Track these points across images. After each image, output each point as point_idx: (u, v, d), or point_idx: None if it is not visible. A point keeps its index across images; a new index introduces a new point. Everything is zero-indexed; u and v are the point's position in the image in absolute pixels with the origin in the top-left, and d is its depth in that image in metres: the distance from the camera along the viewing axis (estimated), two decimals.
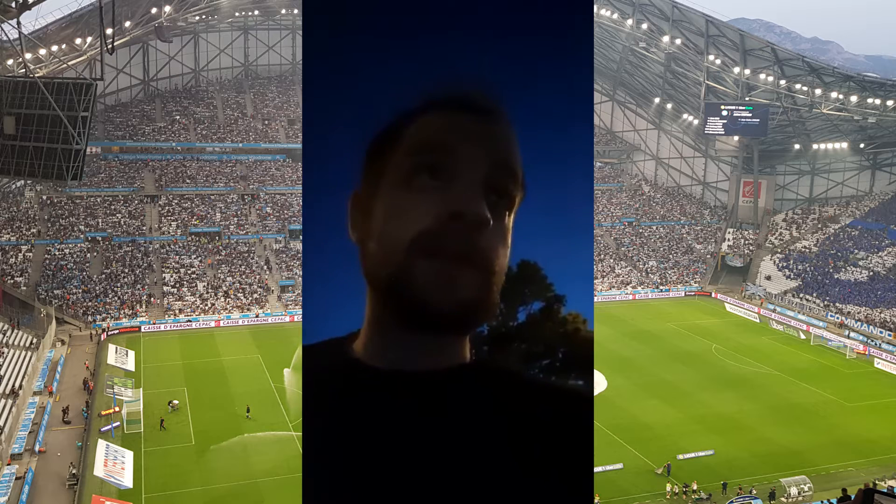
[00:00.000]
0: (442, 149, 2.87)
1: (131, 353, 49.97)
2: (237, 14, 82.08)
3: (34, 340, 49.66)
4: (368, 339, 3.02)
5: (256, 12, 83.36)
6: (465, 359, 3.02)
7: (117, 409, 39.92)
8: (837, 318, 63.81)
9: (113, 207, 69.93)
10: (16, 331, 49.62)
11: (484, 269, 2.87)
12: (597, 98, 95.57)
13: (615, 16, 73.76)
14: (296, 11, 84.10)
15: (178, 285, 62.99)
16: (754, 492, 32.64)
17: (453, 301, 2.83)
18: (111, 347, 50.20)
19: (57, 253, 63.09)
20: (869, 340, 58.08)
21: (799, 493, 32.99)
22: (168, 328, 57.99)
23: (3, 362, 43.17)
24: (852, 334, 60.07)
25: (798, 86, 70.99)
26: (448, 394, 2.91)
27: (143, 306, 59.78)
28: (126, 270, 63.20)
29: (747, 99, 74.85)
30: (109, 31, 41.58)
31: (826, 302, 67.30)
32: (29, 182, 65.18)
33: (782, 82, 71.73)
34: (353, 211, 3.04)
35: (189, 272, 64.75)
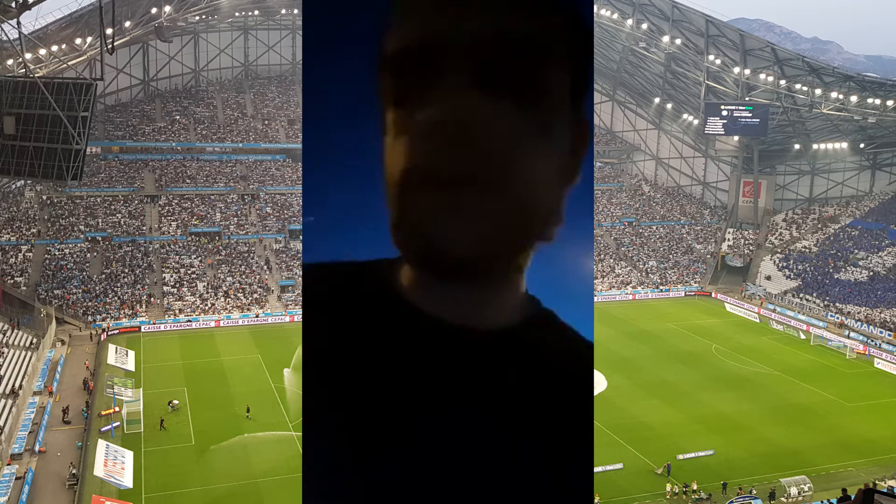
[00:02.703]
0: (417, 51, 2.28)
1: (131, 353, 49.99)
2: (237, 14, 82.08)
3: (34, 340, 49.67)
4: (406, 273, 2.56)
5: (256, 12, 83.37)
6: (503, 321, 2.57)
7: (117, 409, 39.93)
8: (837, 318, 63.81)
9: (113, 207, 69.94)
10: (16, 331, 49.62)
11: (495, 187, 2.29)
12: (597, 98, 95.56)
13: (615, 16, 73.77)
14: (296, 11, 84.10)
15: (178, 285, 63.00)
16: (754, 492, 32.65)
17: (461, 237, 2.32)
18: (111, 347, 50.21)
19: (57, 253, 63.10)
20: (869, 340, 58.08)
21: (799, 493, 33.00)
22: (168, 328, 57.99)
23: (3, 362, 43.17)
24: (852, 334, 60.07)
25: (798, 86, 71.00)
26: (457, 378, 2.80)
27: (143, 306, 59.79)
28: (126, 270, 63.21)
29: (747, 99, 74.84)
30: (109, 31, 41.55)
31: (826, 302, 67.30)
32: (29, 182, 65.20)
33: (782, 82, 71.74)
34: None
35: (189, 272, 64.76)
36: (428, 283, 2.51)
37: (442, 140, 2.23)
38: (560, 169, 2.40)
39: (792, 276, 73.79)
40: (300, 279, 66.26)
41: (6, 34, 41.94)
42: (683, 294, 74.25)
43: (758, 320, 65.10)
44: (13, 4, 36.38)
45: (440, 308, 2.54)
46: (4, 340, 46.79)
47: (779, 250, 78.96)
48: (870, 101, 69.11)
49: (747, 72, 72.52)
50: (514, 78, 2.25)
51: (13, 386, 40.78)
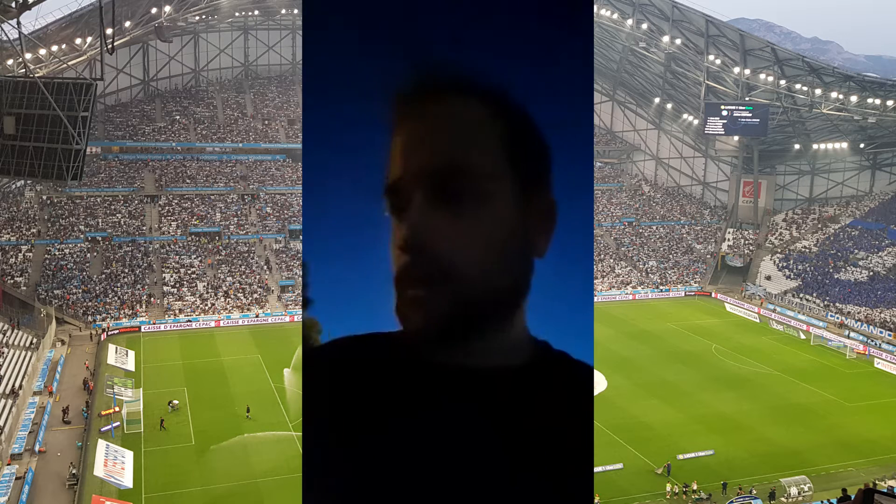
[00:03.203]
0: (397, 180, 2.95)
1: (131, 353, 49.99)
2: (237, 14, 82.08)
3: (34, 340, 49.67)
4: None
5: (256, 12, 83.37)
6: (501, 362, 3.06)
7: (117, 409, 39.94)
8: (837, 318, 63.81)
9: (113, 207, 69.94)
10: (16, 331, 49.62)
11: (458, 287, 2.92)
12: (597, 98, 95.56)
13: (615, 16, 73.76)
14: (296, 11, 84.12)
15: (178, 285, 63.00)
16: (754, 492, 32.64)
17: (434, 323, 2.94)
18: (111, 347, 50.21)
19: (57, 253, 63.09)
20: (869, 340, 58.08)
21: (799, 493, 33.00)
22: (168, 328, 57.98)
23: (3, 362, 43.17)
24: (852, 334, 60.07)
25: (798, 86, 70.98)
26: (454, 395, 2.91)
27: (143, 306, 59.79)
28: (126, 270, 63.21)
29: (747, 99, 74.83)
30: (109, 31, 41.54)
31: (826, 302, 67.30)
32: (29, 182, 65.20)
33: (782, 82, 71.73)
34: None
35: (189, 272, 64.75)
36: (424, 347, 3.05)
37: (410, 249, 2.92)
38: (517, 252, 3.00)
39: (792, 276, 73.79)
40: (300, 279, 66.21)
41: (6, 34, 41.93)
42: (683, 294, 74.24)
43: (758, 320, 65.09)
44: (13, 4, 36.37)
45: (436, 358, 3.02)
46: (4, 340, 46.79)
47: (779, 250, 78.96)
48: (870, 101, 69.09)
49: (747, 72, 72.51)
50: (461, 197, 2.91)
51: (13, 386, 40.78)
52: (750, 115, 74.83)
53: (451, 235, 2.92)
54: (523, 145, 2.98)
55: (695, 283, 76.54)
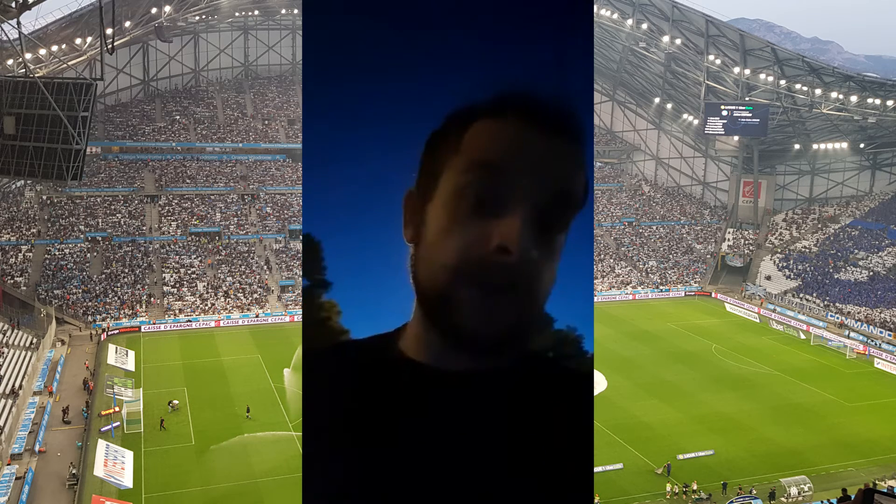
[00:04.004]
0: (498, 172, 2.84)
1: (131, 353, 49.99)
2: (237, 14, 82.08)
3: (34, 340, 49.67)
4: (414, 337, 3.07)
5: (256, 12, 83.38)
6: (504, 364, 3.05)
7: (117, 409, 39.94)
8: (837, 318, 63.81)
9: (113, 207, 69.93)
10: (16, 331, 49.62)
11: (526, 299, 2.91)
12: (597, 98, 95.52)
13: (615, 16, 73.75)
14: (296, 11, 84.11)
15: (178, 285, 62.99)
16: (754, 492, 32.65)
17: (493, 330, 2.89)
18: (111, 347, 50.22)
19: (57, 253, 63.09)
20: (869, 340, 58.08)
21: (799, 493, 33.00)
22: (168, 328, 57.98)
23: (3, 362, 43.17)
24: (852, 334, 60.07)
25: (798, 86, 70.98)
26: (458, 396, 2.92)
27: (143, 306, 59.78)
28: (126, 270, 63.20)
29: (747, 99, 74.83)
30: (109, 31, 41.52)
31: (826, 302, 67.30)
32: (29, 182, 65.18)
33: (782, 82, 71.72)
34: (406, 209, 3.03)
35: (189, 272, 64.75)
36: (437, 349, 2.99)
37: (503, 252, 2.84)
38: (555, 274, 3.02)
39: (792, 276, 73.79)
40: (300, 279, 66.11)
41: (6, 34, 41.93)
42: (683, 294, 74.25)
43: (758, 320, 65.09)
44: (13, 4, 36.34)
45: (441, 363, 3.00)
46: (4, 340, 46.79)
47: (779, 250, 78.96)
48: (870, 101, 69.08)
49: (747, 72, 72.50)
50: (558, 221, 2.90)
51: (13, 386, 40.78)
52: (750, 115, 74.83)
53: (541, 254, 2.91)
54: (589, 176, 3.01)
55: (695, 283, 76.55)
